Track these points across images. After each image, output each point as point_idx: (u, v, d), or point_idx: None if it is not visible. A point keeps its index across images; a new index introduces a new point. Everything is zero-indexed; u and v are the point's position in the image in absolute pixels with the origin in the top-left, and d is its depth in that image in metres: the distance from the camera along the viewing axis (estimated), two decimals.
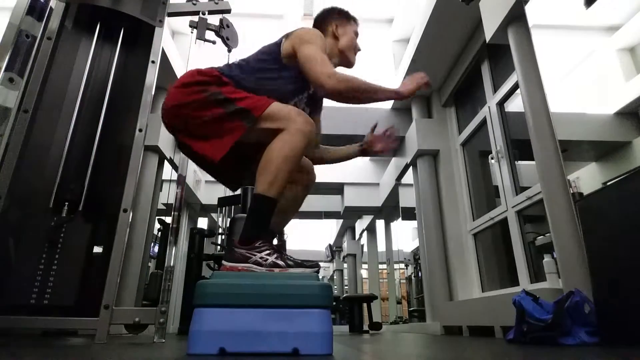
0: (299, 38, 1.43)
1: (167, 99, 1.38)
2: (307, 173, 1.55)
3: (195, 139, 1.35)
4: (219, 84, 1.35)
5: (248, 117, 1.29)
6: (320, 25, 1.62)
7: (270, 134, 1.29)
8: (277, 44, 1.48)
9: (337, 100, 1.41)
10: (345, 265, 12.41)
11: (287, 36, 1.48)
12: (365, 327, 5.80)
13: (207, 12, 2.87)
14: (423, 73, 1.45)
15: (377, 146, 1.72)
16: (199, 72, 1.39)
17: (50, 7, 2.37)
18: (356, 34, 1.65)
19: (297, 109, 1.33)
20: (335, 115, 4.98)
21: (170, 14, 2.73)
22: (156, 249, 5.87)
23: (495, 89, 3.86)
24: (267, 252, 1.27)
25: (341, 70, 1.49)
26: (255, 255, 1.26)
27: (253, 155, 1.42)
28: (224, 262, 1.29)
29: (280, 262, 1.25)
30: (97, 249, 2.14)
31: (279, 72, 1.45)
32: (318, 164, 1.68)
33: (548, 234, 2.65)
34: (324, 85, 1.33)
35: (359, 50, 1.67)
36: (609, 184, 2.16)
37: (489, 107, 3.94)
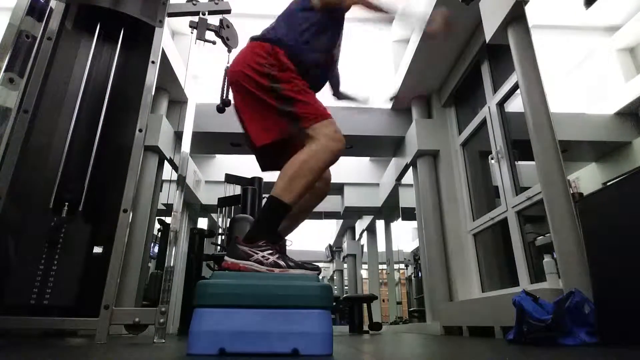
0: None
1: (235, 62, 1.50)
2: (325, 184, 1.60)
3: (247, 111, 1.46)
4: (280, 68, 1.43)
5: (296, 124, 1.36)
6: None
7: (304, 139, 1.36)
8: None
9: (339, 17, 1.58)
10: (345, 265, 12.41)
11: None
12: (365, 328, 5.80)
13: (207, 13, 2.87)
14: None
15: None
16: (265, 50, 1.45)
17: (50, 8, 2.36)
18: None
19: (338, 128, 1.40)
20: (335, 115, 4.96)
21: (170, 14, 2.73)
22: (156, 249, 5.88)
23: (495, 89, 3.86)
24: (269, 251, 1.28)
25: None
26: (257, 253, 1.27)
27: (285, 147, 1.48)
28: (226, 257, 1.30)
29: (281, 263, 1.26)
30: (97, 249, 2.14)
31: (318, 21, 1.55)
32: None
33: (548, 234, 2.65)
34: None
35: None
36: (609, 184, 2.16)
37: (489, 107, 3.94)
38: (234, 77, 1.49)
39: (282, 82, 1.41)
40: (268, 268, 1.25)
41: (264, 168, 1.68)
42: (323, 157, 1.33)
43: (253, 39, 1.57)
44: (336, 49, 1.65)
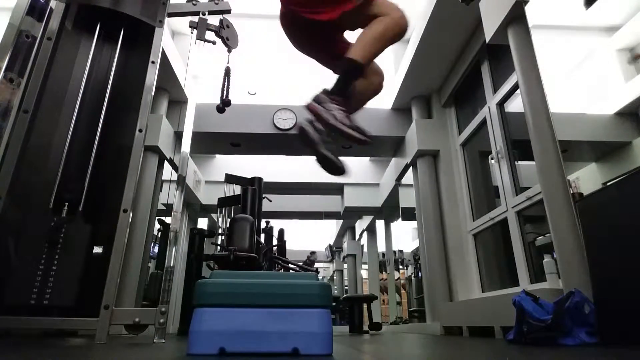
0: None
1: None
2: (381, 80, 1.68)
3: (308, 7, 1.50)
4: None
5: None
6: None
7: (368, 19, 1.44)
8: None
9: None
10: (345, 265, 12.40)
11: None
12: (365, 328, 5.80)
13: (207, 13, 2.87)
14: None
15: None
16: None
17: (50, 8, 2.37)
18: None
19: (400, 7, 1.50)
20: None
21: (170, 15, 2.73)
22: (156, 249, 5.87)
23: (495, 89, 3.86)
24: (340, 109, 1.37)
25: None
26: (332, 109, 1.36)
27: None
28: (307, 101, 1.40)
29: (347, 121, 1.35)
30: (97, 249, 2.14)
31: None
32: None
33: (548, 234, 2.65)
34: None
35: None
36: (609, 184, 2.16)
37: (488, 107, 3.94)
38: None
39: None
40: (337, 123, 1.34)
41: (299, 47, 1.76)
42: (394, 27, 1.43)
43: None
44: None
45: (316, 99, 1.41)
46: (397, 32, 1.45)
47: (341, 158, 1.68)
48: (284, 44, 1.75)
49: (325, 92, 1.42)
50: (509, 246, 3.47)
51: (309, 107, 1.41)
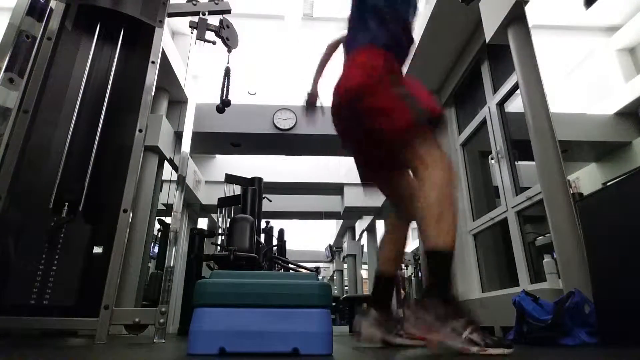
0: None
1: (350, 82, 1.46)
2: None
3: (371, 116, 1.39)
4: (391, 71, 1.44)
5: (421, 114, 1.32)
6: None
7: (410, 147, 1.33)
8: None
9: None
10: (345, 265, 12.40)
11: None
12: None
13: (207, 13, 2.87)
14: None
15: None
16: (382, 62, 1.44)
17: (50, 8, 2.37)
18: None
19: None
20: None
21: (170, 15, 2.73)
22: (156, 249, 5.88)
23: (495, 90, 3.86)
24: (462, 322, 1.11)
25: None
26: (449, 324, 1.11)
27: (385, 159, 1.53)
28: (407, 326, 1.15)
29: (478, 340, 1.08)
30: (97, 249, 2.14)
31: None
32: None
33: (548, 234, 2.65)
34: None
35: None
36: (609, 184, 2.16)
37: (488, 107, 3.94)
38: (354, 91, 1.42)
39: (400, 85, 1.42)
40: (463, 345, 1.08)
41: (365, 178, 1.74)
42: (450, 176, 1.26)
43: (361, 45, 1.55)
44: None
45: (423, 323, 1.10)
46: (451, 186, 1.24)
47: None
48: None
49: (424, 304, 1.12)
50: (509, 246, 3.47)
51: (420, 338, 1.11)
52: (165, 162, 5.01)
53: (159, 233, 5.86)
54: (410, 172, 1.49)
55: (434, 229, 1.18)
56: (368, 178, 1.74)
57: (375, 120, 1.38)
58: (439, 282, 1.17)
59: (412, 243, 7.61)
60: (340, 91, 1.47)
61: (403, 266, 8.75)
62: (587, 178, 2.57)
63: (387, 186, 1.73)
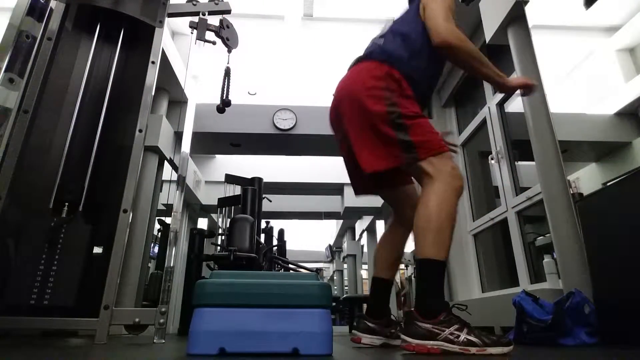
0: None
1: (348, 83, 1.41)
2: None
3: (357, 138, 1.35)
4: (400, 93, 1.35)
5: (411, 154, 1.27)
6: None
7: (418, 173, 1.29)
8: (416, 6, 1.49)
9: (446, 57, 1.44)
10: (345, 265, 12.40)
11: None
12: None
13: (207, 13, 2.87)
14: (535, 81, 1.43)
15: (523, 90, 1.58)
16: (383, 72, 1.37)
17: (51, 8, 2.37)
18: None
19: (455, 163, 1.32)
20: None
21: (170, 15, 2.73)
22: (156, 249, 5.88)
23: (495, 90, 3.86)
24: (456, 326, 1.15)
25: None
26: (443, 330, 1.14)
27: (387, 177, 1.46)
28: (404, 337, 1.17)
29: (476, 340, 1.12)
30: (97, 249, 2.14)
31: (428, 48, 1.42)
32: None
33: (548, 235, 2.65)
34: (441, 34, 1.34)
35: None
36: (609, 184, 2.16)
37: (488, 107, 3.94)
38: (345, 97, 1.39)
39: (401, 107, 1.32)
40: (462, 348, 1.11)
41: (357, 192, 1.65)
42: (452, 198, 1.23)
43: (365, 58, 1.48)
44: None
45: (419, 334, 1.13)
46: (456, 200, 1.24)
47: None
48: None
49: (426, 313, 1.15)
50: (509, 246, 3.47)
51: (414, 350, 1.12)
52: (165, 162, 5.01)
53: (159, 233, 5.86)
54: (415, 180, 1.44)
55: (428, 240, 1.20)
56: (360, 193, 1.67)
57: (349, 131, 1.37)
58: (429, 289, 1.21)
59: (412, 243, 7.61)
60: (334, 95, 1.46)
61: (403, 266, 8.75)
62: (587, 178, 2.57)
63: (387, 197, 1.69)
